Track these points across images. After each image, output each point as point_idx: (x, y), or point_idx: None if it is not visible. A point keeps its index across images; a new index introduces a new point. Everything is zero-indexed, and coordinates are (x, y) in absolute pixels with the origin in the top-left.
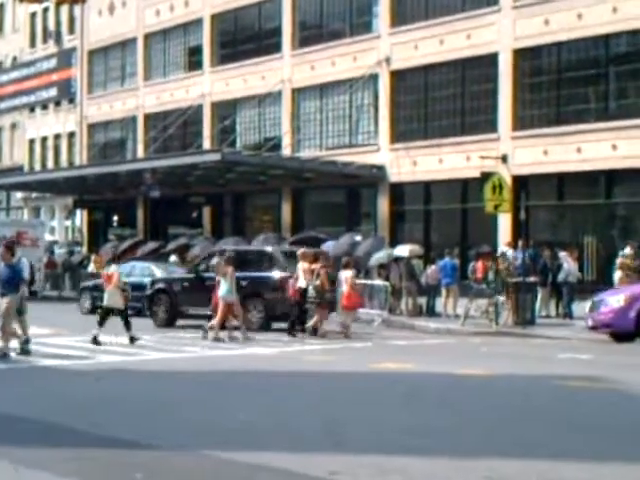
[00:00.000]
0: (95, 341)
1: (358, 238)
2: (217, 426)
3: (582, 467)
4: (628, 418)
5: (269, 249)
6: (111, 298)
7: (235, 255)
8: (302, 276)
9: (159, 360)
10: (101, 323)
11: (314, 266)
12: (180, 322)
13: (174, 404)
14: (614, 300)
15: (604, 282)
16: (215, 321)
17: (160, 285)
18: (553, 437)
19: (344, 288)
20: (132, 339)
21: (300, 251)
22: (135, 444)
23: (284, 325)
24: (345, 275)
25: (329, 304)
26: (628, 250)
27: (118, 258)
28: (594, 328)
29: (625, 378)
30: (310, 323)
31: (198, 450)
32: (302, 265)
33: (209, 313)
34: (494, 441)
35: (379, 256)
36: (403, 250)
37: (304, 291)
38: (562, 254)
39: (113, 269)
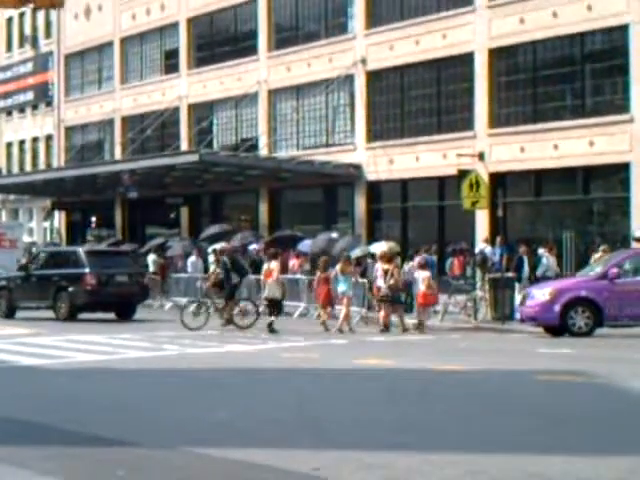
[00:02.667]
0: (271, 329)
1: (334, 235)
2: (199, 424)
3: (563, 460)
4: (608, 411)
5: (75, 249)
6: (271, 290)
7: (50, 255)
8: (380, 276)
9: (138, 358)
10: (271, 312)
11: (388, 266)
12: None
13: (154, 402)
14: (540, 294)
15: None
16: (342, 317)
17: (2, 282)
18: (534, 431)
19: (420, 287)
20: (271, 328)
21: (379, 253)
22: (116, 442)
23: (87, 315)
24: (422, 275)
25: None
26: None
27: None
28: (523, 321)
29: (604, 371)
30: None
31: (180, 447)
32: (381, 266)
33: (41, 306)
34: (476, 436)
35: (355, 252)
36: (381, 247)
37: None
38: (541, 250)
39: (273, 265)
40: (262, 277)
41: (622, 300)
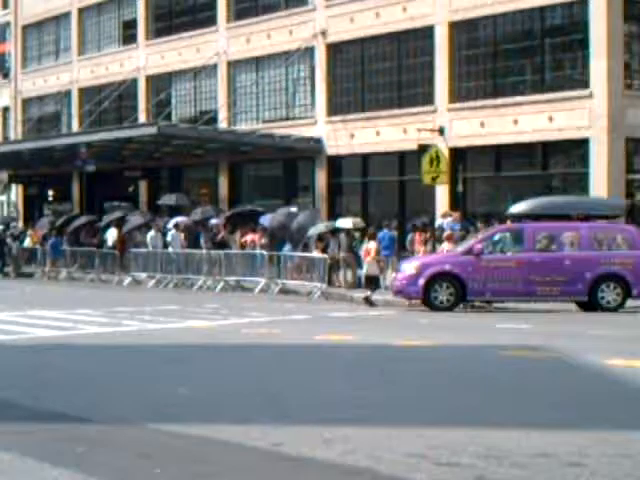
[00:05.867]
0: (368, 301)
1: (293, 209)
2: (158, 399)
3: (523, 435)
4: (565, 386)
5: None
6: (370, 268)
7: None
8: None
9: (97, 334)
10: (369, 287)
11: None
12: None
13: (113, 378)
14: (408, 267)
15: None
16: None
17: None
18: (494, 407)
19: None
20: (369, 300)
21: (446, 233)
22: (75, 418)
23: None
24: None
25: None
26: None
27: (57, 233)
28: (395, 294)
29: (561, 347)
30: None
31: (140, 424)
32: (447, 246)
33: None
34: (436, 411)
35: (318, 228)
36: (346, 222)
37: None
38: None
39: (371, 245)
40: (362, 255)
41: (486, 275)
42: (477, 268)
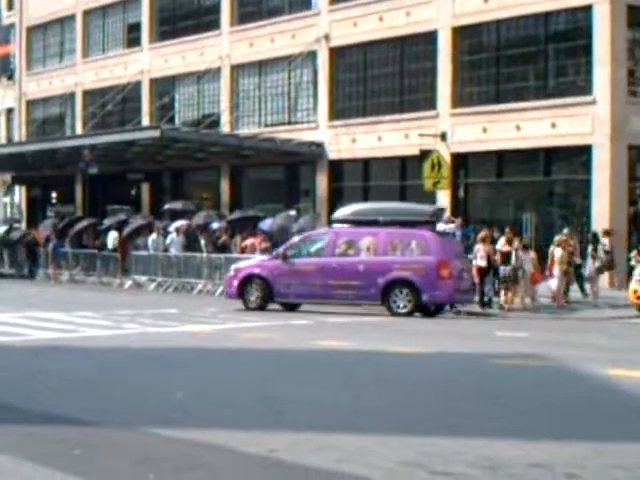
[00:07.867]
0: None
1: (292, 213)
2: (155, 403)
3: (517, 445)
4: (560, 395)
5: None
6: None
7: None
8: (481, 257)
9: (96, 337)
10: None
11: (508, 248)
12: None
13: (112, 381)
14: (231, 270)
15: (544, 259)
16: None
17: None
18: (489, 415)
19: (529, 266)
20: None
21: (481, 235)
22: (73, 420)
23: None
24: (529, 256)
25: None
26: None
27: (59, 235)
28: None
29: (558, 355)
30: (502, 299)
31: (137, 427)
32: (483, 247)
33: None
34: (430, 419)
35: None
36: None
37: (484, 270)
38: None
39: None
40: None
41: (290, 278)
42: (282, 272)
